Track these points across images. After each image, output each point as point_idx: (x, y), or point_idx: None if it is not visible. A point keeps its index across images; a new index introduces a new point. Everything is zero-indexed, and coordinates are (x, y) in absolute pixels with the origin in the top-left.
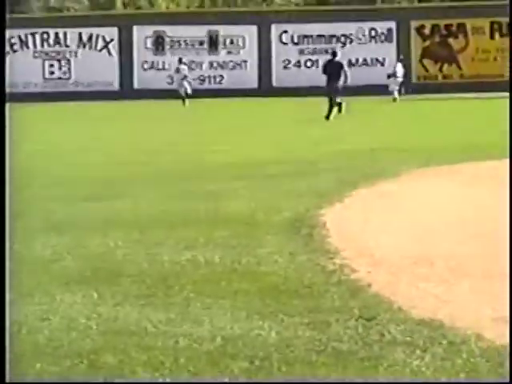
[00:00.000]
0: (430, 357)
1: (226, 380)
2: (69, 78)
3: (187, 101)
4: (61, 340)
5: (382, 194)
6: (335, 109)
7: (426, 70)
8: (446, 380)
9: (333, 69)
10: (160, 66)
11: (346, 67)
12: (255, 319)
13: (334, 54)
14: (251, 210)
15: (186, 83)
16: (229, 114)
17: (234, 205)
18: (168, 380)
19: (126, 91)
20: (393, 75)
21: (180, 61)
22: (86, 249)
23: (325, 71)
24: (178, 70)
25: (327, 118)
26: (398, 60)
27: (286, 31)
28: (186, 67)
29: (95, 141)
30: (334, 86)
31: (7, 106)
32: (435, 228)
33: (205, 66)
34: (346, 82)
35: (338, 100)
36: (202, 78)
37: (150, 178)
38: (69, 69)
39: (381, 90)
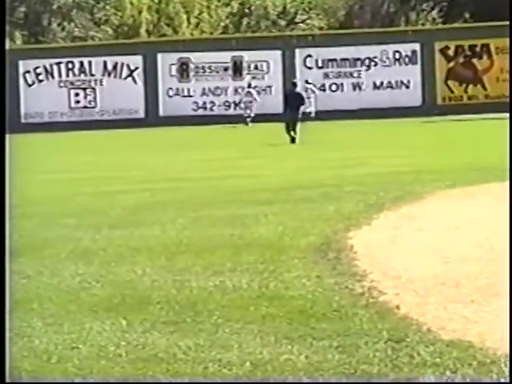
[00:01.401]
0: (461, 378)
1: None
2: (94, 107)
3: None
4: (90, 368)
5: (409, 216)
6: (292, 134)
7: (451, 92)
8: (446, 380)
9: (294, 99)
10: (185, 93)
11: (305, 99)
12: (284, 343)
13: (295, 84)
14: (278, 235)
15: (253, 107)
16: (254, 139)
17: (261, 229)
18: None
19: (152, 118)
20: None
21: (249, 85)
22: (114, 276)
23: (286, 101)
24: (248, 94)
25: (292, 141)
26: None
27: (310, 55)
28: (254, 91)
29: (121, 169)
30: (294, 115)
31: (34, 135)
32: (462, 249)
33: (230, 91)
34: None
35: (297, 130)
36: (227, 103)
37: (176, 205)
38: (94, 97)
39: (406, 112)
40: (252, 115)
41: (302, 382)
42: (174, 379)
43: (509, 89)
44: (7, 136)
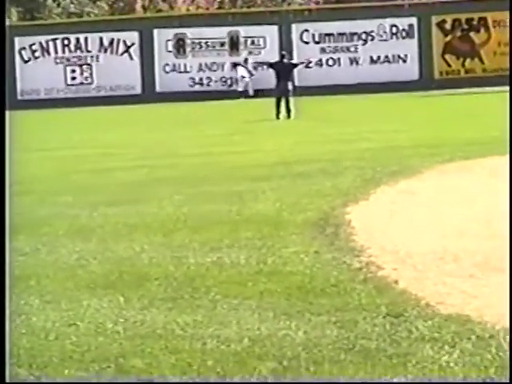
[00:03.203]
0: (459, 352)
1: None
2: (91, 83)
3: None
4: (88, 345)
5: (407, 190)
6: (282, 109)
7: (449, 65)
8: (446, 380)
9: (283, 70)
10: (182, 69)
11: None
12: (282, 319)
13: (283, 56)
14: (275, 210)
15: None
16: (252, 115)
17: (258, 205)
18: (168, 380)
19: (149, 94)
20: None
21: (245, 61)
22: (112, 253)
23: (276, 73)
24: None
25: (277, 116)
26: (241, 64)
27: (306, 30)
28: (250, 67)
29: (117, 145)
30: (284, 87)
31: (30, 112)
32: (460, 223)
33: (226, 67)
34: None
35: (290, 105)
36: (223, 79)
37: (174, 181)
38: (90, 74)
39: (403, 86)
40: (249, 90)
41: (301, 381)
42: (175, 379)
43: (509, 63)
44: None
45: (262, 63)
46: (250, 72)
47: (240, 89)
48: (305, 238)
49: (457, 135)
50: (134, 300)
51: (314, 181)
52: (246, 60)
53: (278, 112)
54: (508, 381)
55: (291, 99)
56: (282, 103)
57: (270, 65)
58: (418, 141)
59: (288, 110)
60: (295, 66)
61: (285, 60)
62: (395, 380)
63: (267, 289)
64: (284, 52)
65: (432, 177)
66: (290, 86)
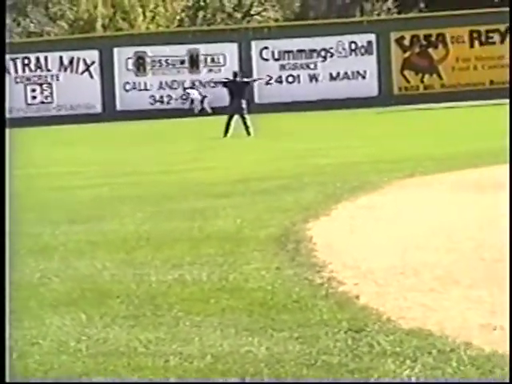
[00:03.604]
0: (421, 366)
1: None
2: (51, 102)
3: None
4: (51, 363)
5: (367, 206)
6: (229, 128)
7: (408, 81)
8: (445, 380)
9: (236, 88)
10: (142, 87)
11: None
12: (244, 335)
13: (236, 74)
14: (236, 227)
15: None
16: (212, 132)
17: (219, 222)
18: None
19: (109, 113)
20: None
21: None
22: (74, 271)
23: (229, 91)
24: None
25: (225, 134)
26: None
27: (266, 47)
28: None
29: (79, 164)
30: (237, 105)
31: None
32: (420, 238)
33: (186, 84)
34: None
35: (247, 122)
36: (183, 97)
37: (135, 199)
38: (51, 93)
39: (362, 102)
40: (207, 108)
41: (300, 382)
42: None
43: (509, 75)
44: None
45: (216, 82)
46: (200, 93)
47: (197, 108)
48: (266, 255)
49: (416, 151)
50: (96, 318)
51: (275, 197)
52: (193, 83)
53: (227, 130)
54: (508, 381)
55: (247, 116)
56: (233, 121)
57: (224, 84)
58: (378, 156)
59: (246, 127)
60: (248, 83)
61: (237, 78)
62: (395, 380)
63: (229, 305)
64: (236, 70)
65: (392, 192)
66: (244, 104)
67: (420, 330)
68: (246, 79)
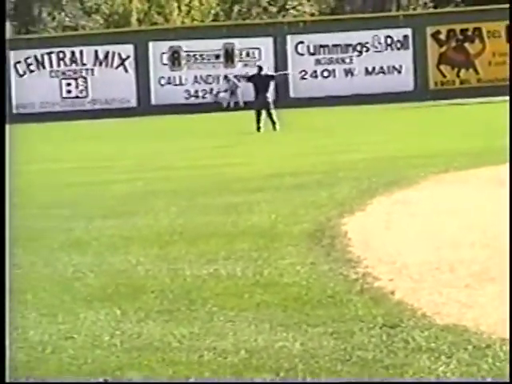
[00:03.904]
0: (456, 362)
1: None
2: (86, 97)
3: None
4: (85, 358)
5: (402, 201)
6: (261, 124)
7: (444, 76)
8: (445, 380)
9: (261, 83)
10: (177, 81)
11: (272, 82)
12: (279, 331)
13: (260, 68)
14: (271, 222)
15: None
16: (247, 126)
17: (254, 217)
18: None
19: (144, 107)
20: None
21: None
22: (108, 266)
23: (254, 86)
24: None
25: (258, 130)
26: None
27: (301, 42)
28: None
29: (114, 158)
30: (263, 100)
31: (25, 125)
32: (456, 233)
33: (221, 79)
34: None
35: (273, 117)
36: (219, 91)
37: (169, 193)
38: (86, 87)
39: (398, 97)
40: (237, 101)
41: (300, 382)
42: (175, 379)
43: (509, 71)
44: None
45: (243, 77)
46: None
47: (234, 101)
48: (301, 250)
49: (452, 146)
50: (130, 312)
51: (310, 192)
52: (226, 76)
53: (259, 125)
54: (508, 381)
55: (273, 111)
56: (262, 116)
57: (248, 78)
58: (413, 151)
59: (272, 122)
60: (273, 77)
61: (262, 72)
62: (394, 380)
63: (264, 300)
64: (261, 64)
65: (427, 187)
66: (270, 98)
67: (455, 325)
68: (270, 73)
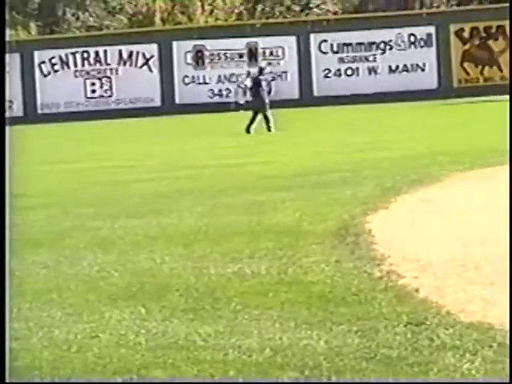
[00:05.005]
0: (481, 360)
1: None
2: (110, 96)
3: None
4: (110, 357)
5: (427, 199)
6: (252, 126)
7: (467, 74)
8: (445, 380)
9: (259, 84)
10: (201, 80)
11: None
12: (303, 329)
13: (261, 69)
14: (295, 220)
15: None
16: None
17: (278, 215)
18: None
19: (168, 106)
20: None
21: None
22: (133, 265)
23: (251, 87)
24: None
25: (248, 131)
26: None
27: (325, 40)
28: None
29: (138, 157)
30: (261, 101)
31: (50, 125)
32: (480, 231)
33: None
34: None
35: (269, 117)
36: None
37: (193, 192)
38: (110, 87)
39: (422, 95)
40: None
41: (299, 382)
42: (174, 379)
43: (509, 69)
44: (24, 127)
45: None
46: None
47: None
48: (325, 248)
49: (476, 143)
50: (155, 311)
51: (334, 191)
52: (248, 72)
53: (250, 126)
54: (508, 381)
55: (269, 112)
56: (269, 115)
57: (253, 79)
58: (437, 149)
59: (268, 125)
60: (273, 79)
61: (262, 74)
62: (393, 380)
63: (288, 299)
64: (262, 65)
65: (452, 185)
66: (267, 100)
67: (480, 323)
68: (269, 76)
